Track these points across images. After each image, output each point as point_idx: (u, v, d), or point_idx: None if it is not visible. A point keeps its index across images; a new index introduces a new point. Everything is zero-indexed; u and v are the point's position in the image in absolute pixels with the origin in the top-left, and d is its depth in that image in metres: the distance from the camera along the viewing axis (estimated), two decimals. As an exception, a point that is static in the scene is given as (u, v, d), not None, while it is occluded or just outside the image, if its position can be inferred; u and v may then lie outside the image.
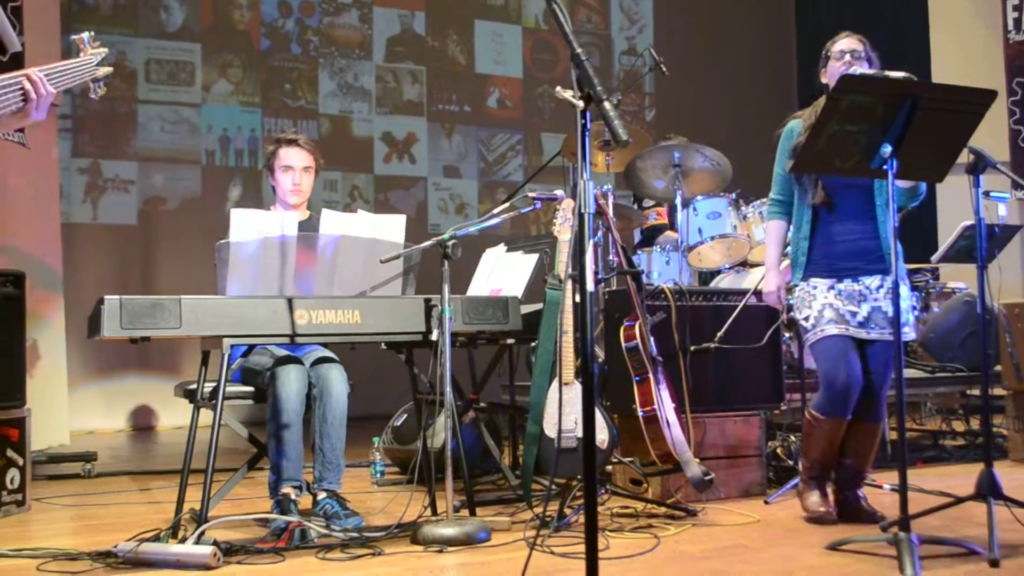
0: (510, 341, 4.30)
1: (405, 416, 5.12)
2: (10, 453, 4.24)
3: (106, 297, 3.28)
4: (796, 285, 3.83)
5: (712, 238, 5.31)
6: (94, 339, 3.49)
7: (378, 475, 4.95)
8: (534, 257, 4.44)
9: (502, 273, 4.44)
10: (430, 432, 5.02)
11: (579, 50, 1.93)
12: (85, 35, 2.96)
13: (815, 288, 3.73)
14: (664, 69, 5.79)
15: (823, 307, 3.68)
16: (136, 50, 8.53)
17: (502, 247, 4.65)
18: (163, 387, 8.27)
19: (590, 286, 1.81)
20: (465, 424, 4.55)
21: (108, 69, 2.99)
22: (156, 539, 3.35)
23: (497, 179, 9.56)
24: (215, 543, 3.21)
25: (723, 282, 5.42)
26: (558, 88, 1.97)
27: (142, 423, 8.44)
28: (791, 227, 3.89)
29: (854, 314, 3.65)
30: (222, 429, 3.52)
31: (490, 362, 4.61)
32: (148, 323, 3.31)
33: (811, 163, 3.30)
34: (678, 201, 5.35)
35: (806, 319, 3.73)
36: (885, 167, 3.01)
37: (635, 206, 6.37)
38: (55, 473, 5.27)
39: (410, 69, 9.34)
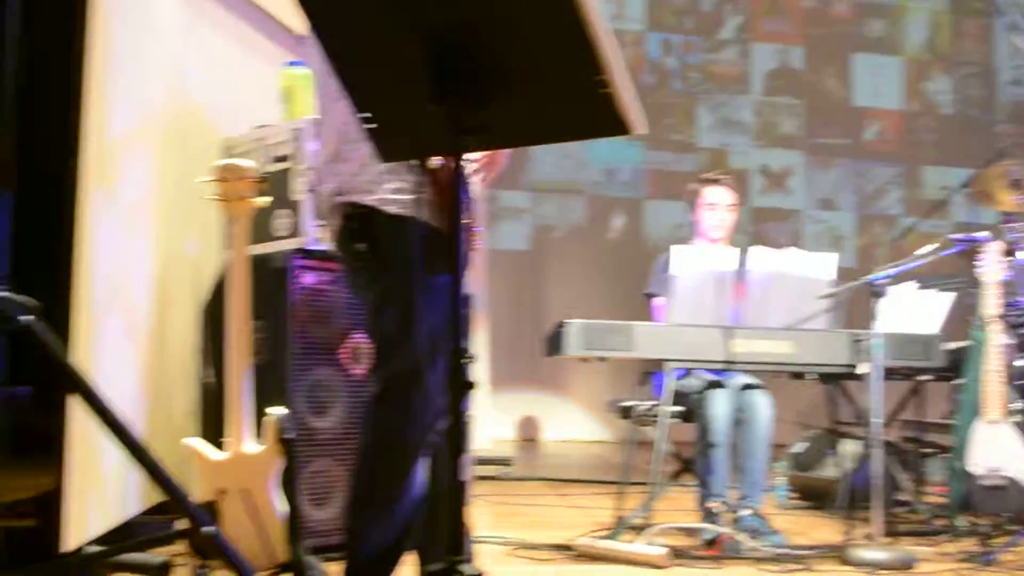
0: (926, 378, 4.40)
1: (807, 445, 5.30)
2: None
3: (568, 320, 3.73)
4: None
5: None
6: (553, 357, 3.98)
7: (782, 499, 5.17)
8: (951, 296, 4.51)
9: (915, 310, 4.53)
10: (835, 460, 5.19)
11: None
12: None
13: None
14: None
15: None
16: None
17: (914, 284, 4.73)
18: (548, 401, 8.93)
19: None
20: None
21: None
22: (609, 538, 3.76)
23: (874, 213, 9.51)
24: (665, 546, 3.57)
25: None
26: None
27: (527, 434, 9.09)
28: None
29: None
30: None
31: (901, 398, 4.72)
32: (605, 344, 3.74)
33: None
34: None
35: None
36: None
37: None
38: (479, 474, 5.86)
39: (787, 103, 9.50)
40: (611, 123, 1.78)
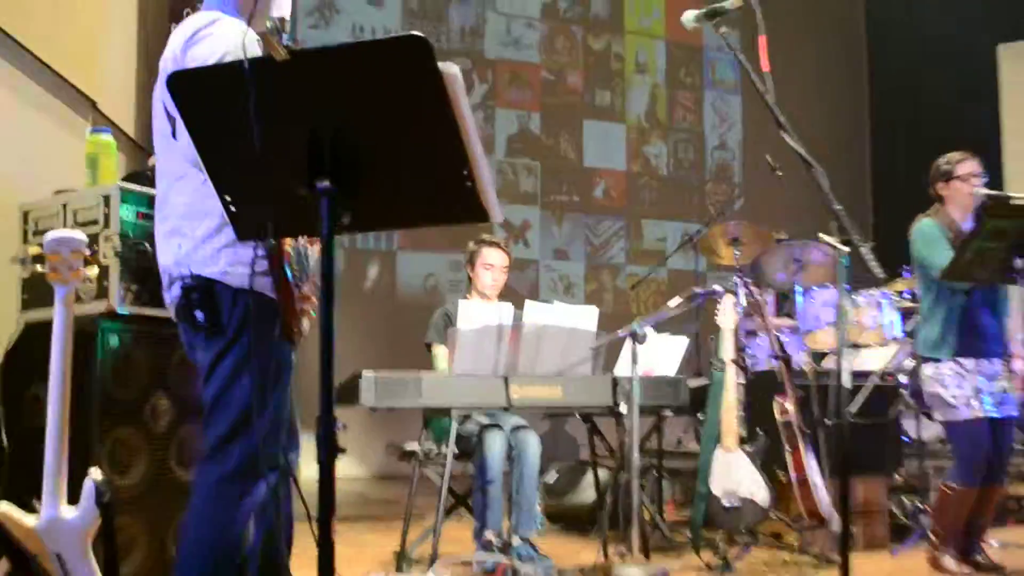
0: (668, 413, 4.99)
1: (557, 475, 5.81)
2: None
3: (364, 372, 4.02)
4: (936, 361, 4.25)
5: (828, 324, 5.99)
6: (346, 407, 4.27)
7: (539, 527, 5.64)
8: (684, 339, 5.13)
9: (656, 353, 5.09)
10: (580, 488, 5.74)
11: (838, 206, 2.60)
12: None
13: (961, 367, 4.18)
14: (780, 173, 6.52)
15: (971, 388, 4.15)
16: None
17: (649, 329, 5.32)
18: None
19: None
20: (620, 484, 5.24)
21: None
22: (398, 571, 4.09)
23: (601, 262, 10.34)
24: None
25: (832, 361, 6.11)
26: (821, 234, 2.66)
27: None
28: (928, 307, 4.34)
29: (992, 393, 4.14)
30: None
31: (647, 431, 5.33)
32: (397, 395, 4.06)
33: (958, 274, 3.99)
34: (798, 290, 6.04)
35: (953, 397, 4.16)
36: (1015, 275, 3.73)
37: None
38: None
39: (526, 164, 10.18)
40: (473, 211, 2.03)
